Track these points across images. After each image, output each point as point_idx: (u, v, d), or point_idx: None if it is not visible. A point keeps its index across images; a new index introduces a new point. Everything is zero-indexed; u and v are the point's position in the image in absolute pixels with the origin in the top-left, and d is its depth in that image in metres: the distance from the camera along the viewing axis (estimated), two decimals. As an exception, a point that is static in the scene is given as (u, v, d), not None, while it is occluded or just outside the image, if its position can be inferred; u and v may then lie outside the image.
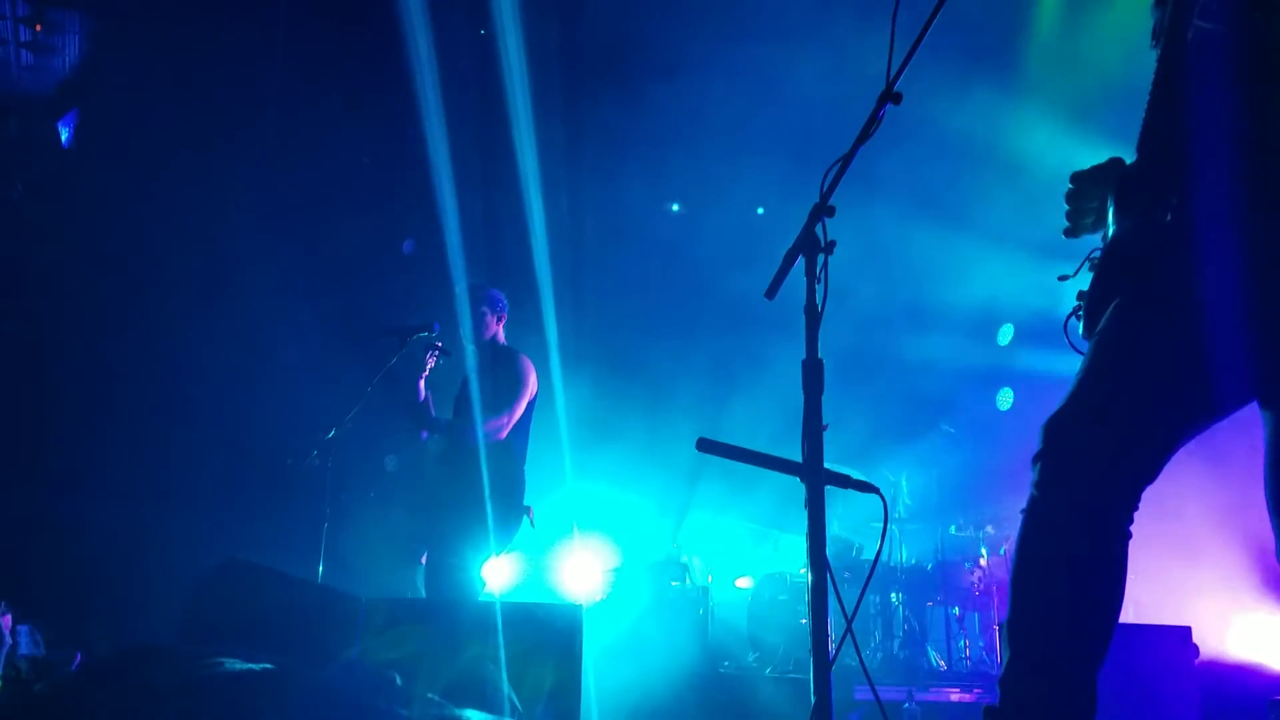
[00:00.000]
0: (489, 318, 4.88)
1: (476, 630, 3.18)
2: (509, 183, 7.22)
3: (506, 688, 2.66)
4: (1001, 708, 1.98)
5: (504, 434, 4.67)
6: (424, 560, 4.78)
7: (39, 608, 5.18)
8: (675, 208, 9.03)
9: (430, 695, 2.13)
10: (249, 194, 6.76)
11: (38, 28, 6.45)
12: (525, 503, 4.75)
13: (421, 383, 4.74)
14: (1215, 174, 1.93)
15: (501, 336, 4.94)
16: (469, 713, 2.05)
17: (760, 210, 8.83)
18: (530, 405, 4.82)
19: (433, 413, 4.90)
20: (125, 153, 6.48)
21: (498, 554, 4.66)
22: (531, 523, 4.73)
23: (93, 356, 6.38)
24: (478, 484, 4.62)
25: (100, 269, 6.41)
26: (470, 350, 4.90)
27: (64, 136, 6.69)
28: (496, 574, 4.75)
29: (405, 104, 6.85)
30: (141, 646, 2.04)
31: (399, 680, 2.09)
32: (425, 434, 5.03)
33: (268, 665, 2.13)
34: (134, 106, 6.50)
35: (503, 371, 4.78)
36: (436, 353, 4.79)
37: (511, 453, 4.74)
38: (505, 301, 4.98)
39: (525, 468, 4.82)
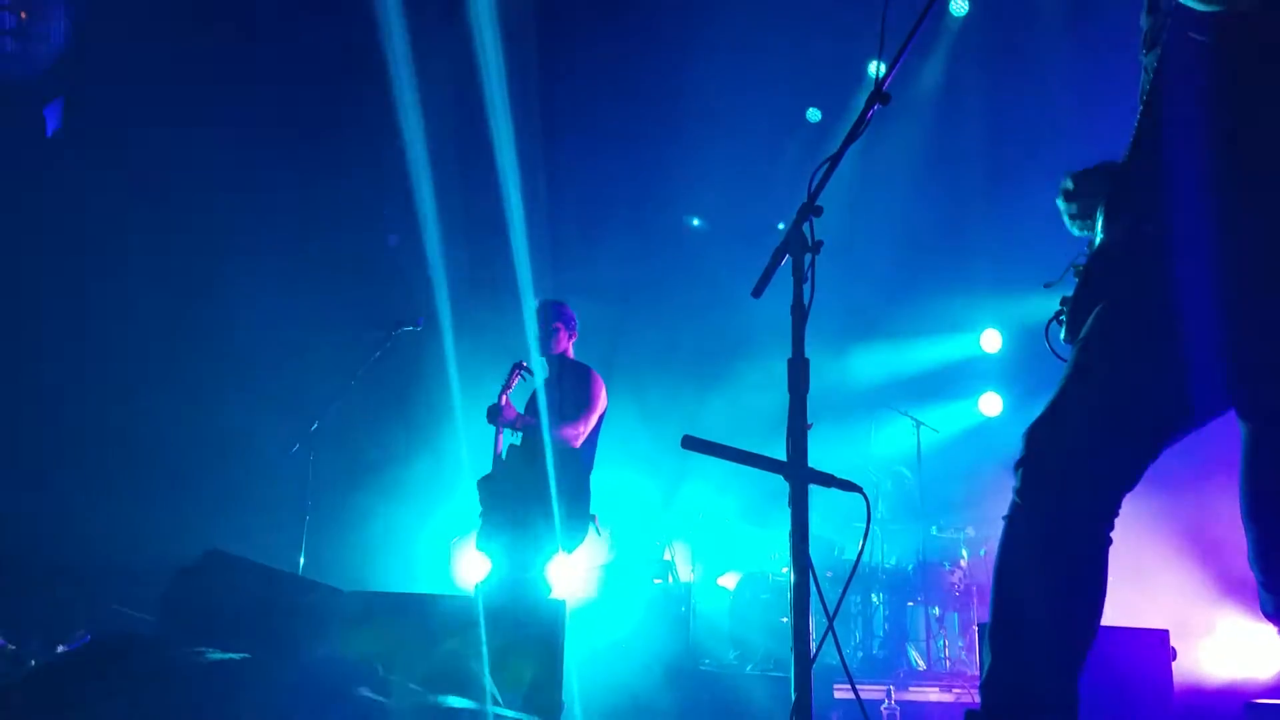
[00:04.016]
0: (562, 333, 4.91)
1: (458, 623, 3.18)
2: (487, 175, 7.19)
3: (487, 680, 2.66)
4: (984, 712, 1.98)
5: (578, 442, 4.71)
6: (489, 564, 4.78)
7: (15, 601, 5.15)
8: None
9: (411, 685, 2.12)
10: (232, 186, 6.72)
11: (22, 15, 6.39)
12: (591, 511, 4.78)
13: (505, 397, 4.75)
14: (1200, 184, 1.93)
15: (571, 352, 4.96)
16: (448, 699, 2.05)
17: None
18: (600, 420, 4.85)
19: (525, 418, 4.83)
20: (107, 142, 6.42)
21: (565, 557, 4.67)
22: (598, 530, 4.76)
23: (72, 347, 6.33)
24: (548, 490, 4.64)
25: (80, 258, 6.36)
26: (540, 364, 4.91)
27: (48, 125, 6.63)
28: (560, 577, 4.76)
29: (389, 96, 6.81)
30: (120, 636, 2.03)
31: (380, 670, 2.09)
32: (501, 444, 5.00)
33: (246, 655, 2.12)
34: (117, 95, 6.45)
35: (577, 384, 4.82)
36: (521, 371, 4.83)
37: (580, 462, 4.78)
38: (576, 318, 5.00)
39: (591, 478, 4.86)
